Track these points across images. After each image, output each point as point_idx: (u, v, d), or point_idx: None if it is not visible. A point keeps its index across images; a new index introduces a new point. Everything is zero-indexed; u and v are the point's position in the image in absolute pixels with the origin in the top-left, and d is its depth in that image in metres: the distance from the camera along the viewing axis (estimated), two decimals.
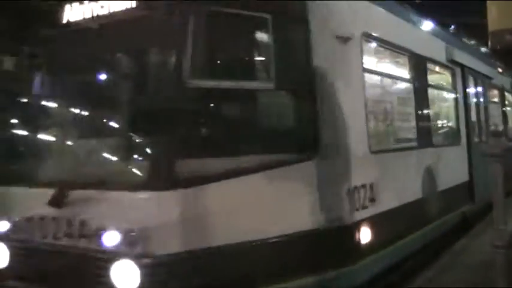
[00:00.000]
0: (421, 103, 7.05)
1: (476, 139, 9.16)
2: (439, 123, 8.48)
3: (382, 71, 6.35)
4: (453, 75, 8.57)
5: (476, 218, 8.55)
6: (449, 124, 8.66)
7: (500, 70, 12.26)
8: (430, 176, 6.86)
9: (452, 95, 8.59)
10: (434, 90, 7.99)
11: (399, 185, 6.04)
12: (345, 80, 5.06)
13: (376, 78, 6.07)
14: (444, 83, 8.67)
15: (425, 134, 7.16)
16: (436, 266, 6.45)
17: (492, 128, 8.66)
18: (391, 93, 6.51)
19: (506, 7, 4.75)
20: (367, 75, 5.56)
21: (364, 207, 5.10)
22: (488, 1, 4.89)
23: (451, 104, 8.59)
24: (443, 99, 8.67)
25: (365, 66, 5.53)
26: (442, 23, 9.43)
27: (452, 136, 8.48)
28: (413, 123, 6.82)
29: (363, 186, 5.11)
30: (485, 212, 8.10)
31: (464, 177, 8.50)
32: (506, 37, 4.76)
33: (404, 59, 6.83)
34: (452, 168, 8.01)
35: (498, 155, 4.76)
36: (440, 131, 8.39)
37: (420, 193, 6.57)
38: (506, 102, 12.88)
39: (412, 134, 6.80)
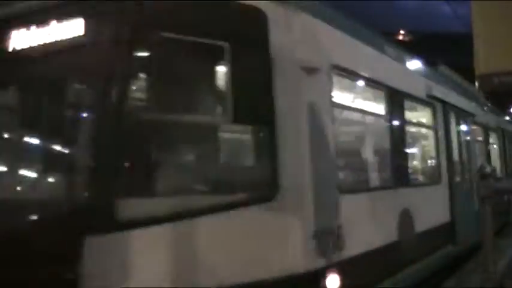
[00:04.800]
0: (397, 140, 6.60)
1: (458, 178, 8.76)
2: (418, 161, 8.13)
3: (354, 106, 5.84)
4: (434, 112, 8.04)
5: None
6: (429, 163, 8.26)
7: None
8: (407, 216, 6.38)
9: (432, 132, 8.04)
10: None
11: (372, 228, 5.54)
12: (311, 114, 4.61)
13: (347, 113, 5.60)
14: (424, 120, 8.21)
15: (402, 173, 6.66)
16: None
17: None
18: (364, 129, 6.15)
19: (493, 51, 4.83)
20: (336, 110, 5.13)
21: (331, 252, 4.60)
22: (475, 44, 4.95)
23: (432, 142, 8.07)
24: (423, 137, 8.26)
25: (334, 100, 5.07)
26: (431, 62, 9.42)
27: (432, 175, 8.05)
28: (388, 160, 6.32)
29: (330, 229, 4.63)
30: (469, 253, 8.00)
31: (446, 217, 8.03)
32: (494, 80, 4.83)
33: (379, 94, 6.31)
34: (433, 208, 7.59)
35: (488, 197, 4.79)
36: (418, 170, 8.01)
37: (395, 235, 6.00)
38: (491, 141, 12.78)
39: (387, 173, 6.33)
